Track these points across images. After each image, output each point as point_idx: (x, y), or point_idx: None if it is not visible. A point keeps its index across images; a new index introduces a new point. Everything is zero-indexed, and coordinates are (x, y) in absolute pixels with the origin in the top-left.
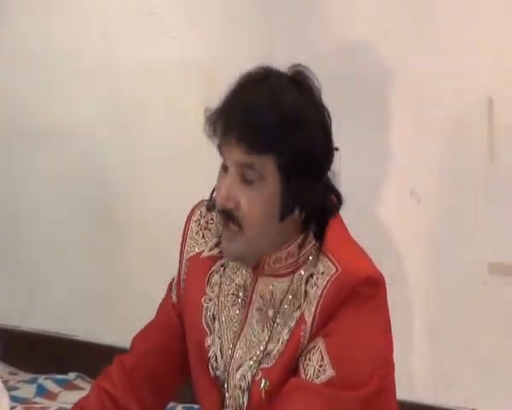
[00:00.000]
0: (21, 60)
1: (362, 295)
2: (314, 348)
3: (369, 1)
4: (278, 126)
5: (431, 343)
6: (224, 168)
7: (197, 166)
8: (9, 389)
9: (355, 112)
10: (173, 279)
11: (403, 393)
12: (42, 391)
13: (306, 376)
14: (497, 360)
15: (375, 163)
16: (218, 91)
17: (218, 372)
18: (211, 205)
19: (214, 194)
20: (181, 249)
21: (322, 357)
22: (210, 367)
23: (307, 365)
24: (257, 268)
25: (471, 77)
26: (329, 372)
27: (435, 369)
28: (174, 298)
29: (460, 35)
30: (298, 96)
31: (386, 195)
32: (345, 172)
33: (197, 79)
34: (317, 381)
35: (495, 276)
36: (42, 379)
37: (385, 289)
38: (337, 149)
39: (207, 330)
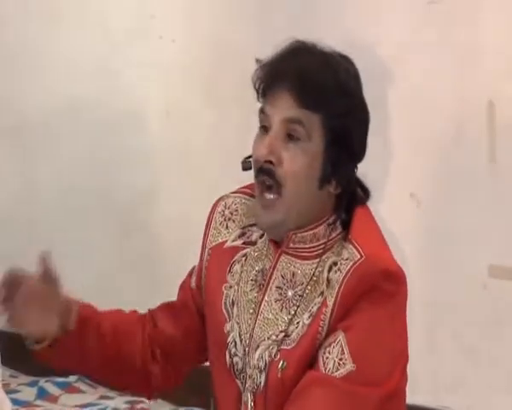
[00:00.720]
0: (20, 60)
1: (384, 291)
2: (335, 341)
3: (369, 2)
4: (331, 87)
5: (431, 347)
6: (265, 129)
7: (199, 168)
8: (10, 392)
9: None
10: (194, 266)
11: None
12: (43, 394)
13: (326, 369)
14: (498, 364)
15: (376, 165)
16: (217, 94)
17: (235, 359)
18: (247, 164)
19: (252, 155)
20: (204, 239)
21: (342, 350)
22: (228, 354)
23: (327, 358)
24: (280, 246)
25: (471, 79)
26: (349, 366)
27: (435, 372)
28: (193, 284)
29: (460, 37)
30: (348, 75)
31: (387, 197)
32: None
33: (197, 82)
34: (336, 374)
35: (495, 279)
36: (43, 382)
37: (406, 287)
38: None
39: (227, 315)
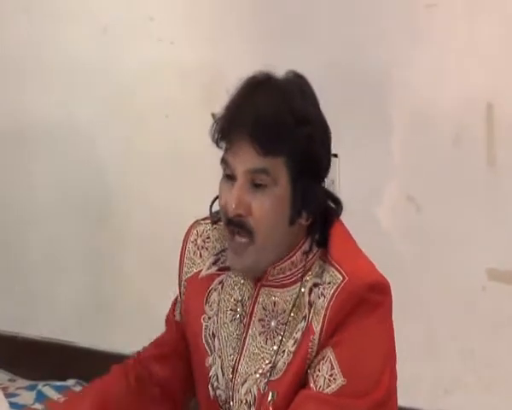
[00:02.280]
0: (20, 62)
1: (370, 302)
2: (323, 358)
3: (368, 6)
4: (291, 124)
5: (430, 349)
6: (229, 177)
7: (197, 171)
8: (9, 396)
9: (354, 119)
10: (177, 297)
11: (402, 399)
12: (41, 398)
13: (316, 386)
14: (496, 367)
15: (374, 169)
16: (217, 97)
17: (218, 392)
18: (215, 217)
19: (218, 204)
20: (179, 271)
21: (332, 366)
22: (210, 387)
23: (317, 375)
24: (259, 279)
25: (470, 82)
26: (340, 381)
27: (434, 375)
28: (178, 316)
29: (459, 40)
30: (304, 100)
31: (386, 200)
32: (344, 178)
33: (196, 85)
34: (328, 390)
35: (494, 282)
36: (41, 386)
37: (391, 295)
38: (336, 155)
39: (208, 349)
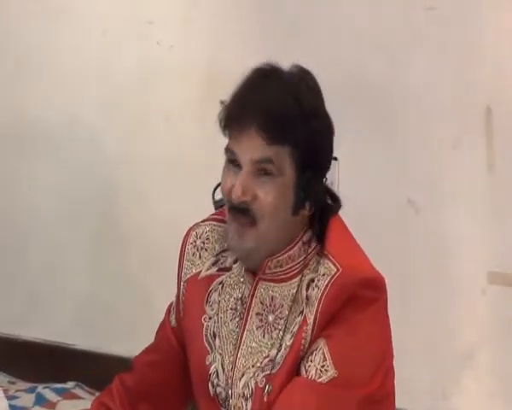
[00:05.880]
0: (21, 65)
1: (364, 298)
2: (316, 349)
3: (368, 8)
4: (296, 116)
5: (429, 352)
6: (233, 163)
7: (197, 172)
8: (8, 398)
9: (354, 121)
10: (171, 303)
11: (402, 402)
12: (41, 400)
13: (308, 376)
14: (496, 370)
15: (374, 172)
16: (216, 100)
17: (218, 389)
18: (219, 204)
19: (221, 190)
20: (178, 272)
21: (324, 357)
22: (210, 385)
23: (309, 366)
24: (257, 273)
25: (470, 86)
26: (331, 373)
27: (434, 378)
28: (173, 322)
29: (460, 44)
30: (311, 94)
31: (385, 204)
32: (343, 181)
33: (195, 88)
34: (319, 381)
35: (494, 285)
36: (41, 388)
37: (386, 293)
38: (335, 158)
39: (208, 348)
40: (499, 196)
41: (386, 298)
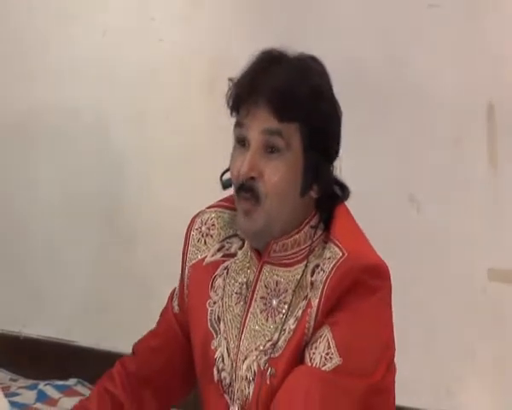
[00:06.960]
0: (22, 63)
1: (367, 285)
2: (321, 336)
3: (370, 5)
4: (305, 95)
5: (431, 350)
6: (242, 143)
7: (199, 171)
8: (10, 395)
9: (355, 118)
10: (174, 289)
11: (404, 399)
12: (42, 397)
13: (313, 364)
14: (498, 367)
15: (375, 169)
16: (218, 98)
17: (223, 374)
18: (227, 183)
19: (230, 173)
20: (183, 258)
21: (328, 345)
22: (215, 370)
23: (313, 353)
24: (262, 255)
25: (472, 82)
26: (336, 360)
27: (436, 375)
28: (176, 308)
29: (461, 40)
30: (320, 78)
31: (386, 200)
32: (344, 179)
33: (197, 84)
34: (324, 368)
35: (494, 282)
36: (42, 385)
37: (390, 281)
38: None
39: (213, 332)
40: (501, 193)
41: (391, 287)
